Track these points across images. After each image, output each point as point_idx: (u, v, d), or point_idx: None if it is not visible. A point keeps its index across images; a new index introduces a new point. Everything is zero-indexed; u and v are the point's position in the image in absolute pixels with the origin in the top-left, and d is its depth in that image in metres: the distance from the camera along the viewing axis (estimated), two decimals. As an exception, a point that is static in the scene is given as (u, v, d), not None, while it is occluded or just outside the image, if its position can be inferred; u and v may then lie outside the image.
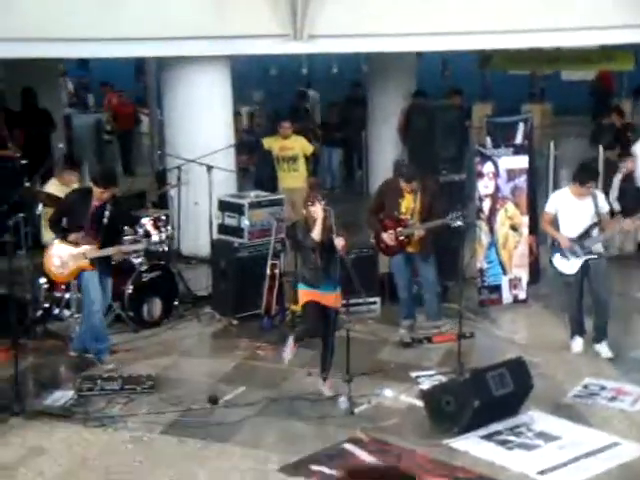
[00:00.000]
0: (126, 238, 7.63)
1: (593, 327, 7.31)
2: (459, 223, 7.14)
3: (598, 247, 7.22)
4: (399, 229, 7.53)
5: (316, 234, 6.28)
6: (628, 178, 9.69)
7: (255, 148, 10.74)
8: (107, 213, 6.95)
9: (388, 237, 7.54)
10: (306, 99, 14.77)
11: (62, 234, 7.05)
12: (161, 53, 9.69)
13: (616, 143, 11.74)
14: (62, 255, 7.00)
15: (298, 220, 6.64)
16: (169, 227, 8.40)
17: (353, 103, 14.19)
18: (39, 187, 8.50)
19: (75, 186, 8.29)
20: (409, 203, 7.53)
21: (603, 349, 7.21)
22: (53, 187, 8.17)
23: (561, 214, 7.23)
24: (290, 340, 6.36)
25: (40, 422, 6.08)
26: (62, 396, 6.43)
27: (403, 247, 7.60)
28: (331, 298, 6.30)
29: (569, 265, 7.16)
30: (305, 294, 6.38)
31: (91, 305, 6.97)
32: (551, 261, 7.34)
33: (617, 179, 9.71)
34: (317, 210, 6.30)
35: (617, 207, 9.63)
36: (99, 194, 6.93)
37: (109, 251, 7.04)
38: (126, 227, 8.06)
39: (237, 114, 12.15)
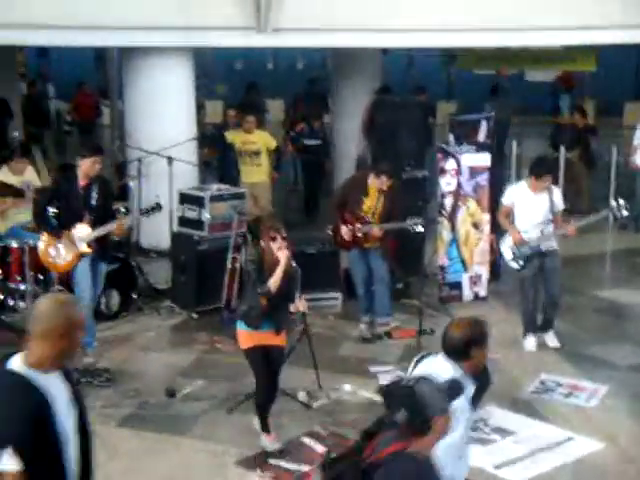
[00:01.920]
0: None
1: (542, 319, 7.42)
2: (418, 229, 7.24)
3: (552, 243, 7.28)
4: (358, 225, 7.52)
5: (273, 285, 5.52)
6: None
7: (218, 141, 10.66)
8: (94, 194, 6.79)
9: (346, 232, 7.53)
10: (257, 92, 14.79)
11: (49, 225, 6.78)
12: (122, 43, 9.57)
13: (577, 144, 11.85)
14: (55, 244, 6.79)
15: (256, 251, 5.84)
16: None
17: (311, 99, 14.31)
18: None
19: (28, 175, 8.13)
20: (372, 201, 7.52)
21: (549, 338, 7.35)
22: (2, 175, 8.01)
23: (517, 207, 7.27)
24: (262, 436, 5.59)
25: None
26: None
27: (359, 243, 7.59)
28: (275, 339, 5.62)
29: (516, 260, 7.25)
30: (245, 337, 5.62)
31: (78, 300, 6.81)
32: (500, 252, 7.43)
33: None
34: (282, 255, 5.53)
35: None
36: (90, 166, 6.72)
37: (110, 227, 6.83)
38: None
39: (200, 107, 12.06)
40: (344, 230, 7.53)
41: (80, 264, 6.80)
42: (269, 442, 5.61)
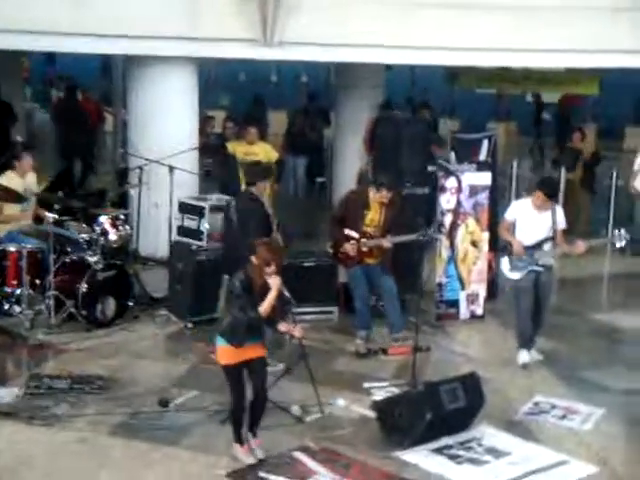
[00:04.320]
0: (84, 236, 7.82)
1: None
2: (432, 237, 7.26)
3: (549, 260, 7.35)
4: (363, 240, 7.50)
5: (264, 312, 5.33)
6: None
7: (219, 151, 10.67)
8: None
9: (351, 247, 7.50)
10: (263, 105, 14.89)
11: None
12: (127, 51, 9.59)
13: (578, 165, 11.87)
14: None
15: (243, 272, 5.45)
16: (127, 226, 8.30)
17: (311, 113, 14.43)
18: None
19: (32, 174, 8.08)
20: (374, 215, 7.51)
21: (533, 354, 7.40)
22: (7, 179, 7.99)
23: (519, 223, 7.35)
24: (235, 446, 5.54)
25: (-17, 419, 5.95)
26: (7, 393, 6.28)
27: (362, 259, 7.57)
28: (256, 350, 5.49)
29: (513, 272, 7.30)
30: (226, 353, 5.43)
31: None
32: (498, 271, 7.47)
33: None
34: (274, 283, 5.33)
35: None
36: (264, 188, 7.30)
37: None
38: (84, 227, 8.01)
39: (208, 117, 12.10)
40: (348, 246, 7.50)
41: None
42: (242, 454, 5.57)
